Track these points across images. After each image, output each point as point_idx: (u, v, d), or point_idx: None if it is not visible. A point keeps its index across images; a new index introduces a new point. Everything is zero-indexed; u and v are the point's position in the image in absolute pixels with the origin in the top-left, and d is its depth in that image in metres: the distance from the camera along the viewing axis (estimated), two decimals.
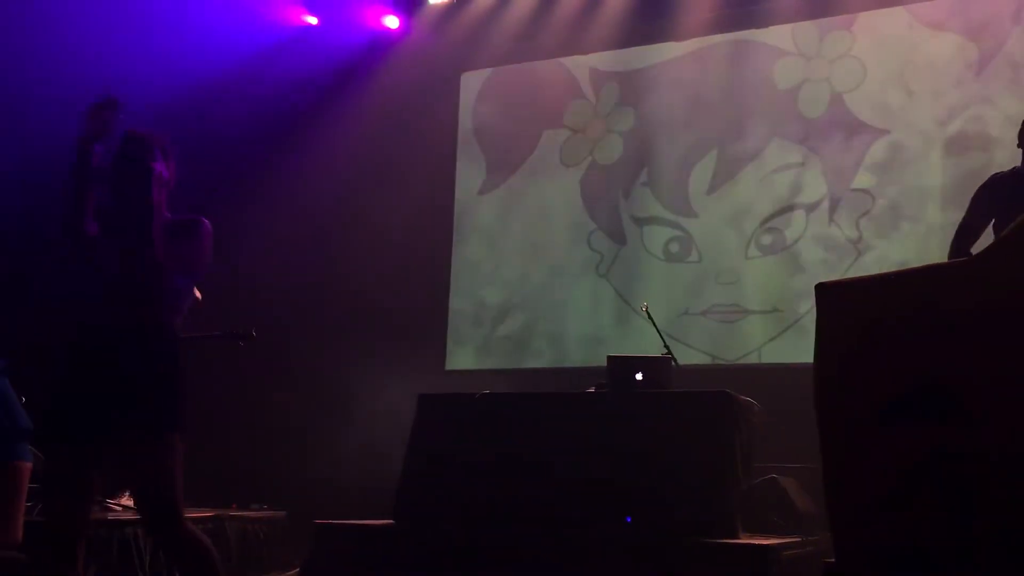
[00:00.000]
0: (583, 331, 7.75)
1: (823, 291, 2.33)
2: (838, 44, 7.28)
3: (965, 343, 2.16)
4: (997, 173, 4.57)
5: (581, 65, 8.09)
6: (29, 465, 4.60)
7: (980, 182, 4.56)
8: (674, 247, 7.55)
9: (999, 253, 2.21)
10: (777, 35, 7.47)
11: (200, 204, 3.79)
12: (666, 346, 5.99)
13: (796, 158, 7.26)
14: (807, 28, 7.40)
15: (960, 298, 2.18)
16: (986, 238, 4.37)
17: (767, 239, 7.26)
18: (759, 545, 4.58)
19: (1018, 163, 4.40)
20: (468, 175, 8.36)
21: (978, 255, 2.28)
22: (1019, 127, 4.40)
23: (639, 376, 5.41)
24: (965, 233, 4.46)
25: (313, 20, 8.52)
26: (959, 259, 2.47)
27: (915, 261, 6.42)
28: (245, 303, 6.98)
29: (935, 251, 6.39)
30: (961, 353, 2.16)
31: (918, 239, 6.78)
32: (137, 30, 7.23)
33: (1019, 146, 4.38)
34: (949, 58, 6.92)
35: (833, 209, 7.06)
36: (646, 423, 5.13)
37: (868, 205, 6.95)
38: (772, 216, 7.26)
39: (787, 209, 7.21)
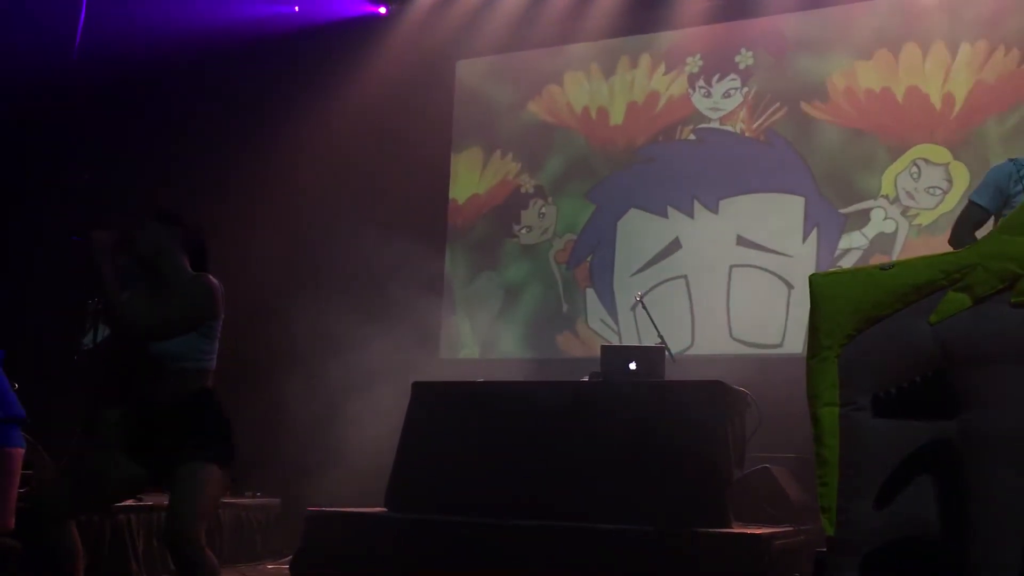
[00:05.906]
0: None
1: (817, 281, 2.33)
2: None
3: (960, 333, 2.16)
4: (1015, 159, 4.31)
5: (579, 52, 8.05)
6: (21, 451, 4.58)
7: None
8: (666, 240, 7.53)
9: (994, 242, 2.21)
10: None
11: (191, 192, 3.83)
12: (660, 336, 6.00)
13: None
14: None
15: (953, 287, 2.18)
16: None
17: None
18: (751, 535, 4.59)
19: None
20: (464, 163, 8.33)
21: (971, 245, 2.28)
22: None
23: (633, 366, 5.41)
24: (971, 217, 4.20)
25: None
26: (953, 251, 2.47)
27: None
28: (237, 292, 6.95)
29: None
30: (957, 343, 2.16)
31: None
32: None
33: None
34: None
35: None
36: (639, 412, 5.13)
37: None
38: None
39: None
